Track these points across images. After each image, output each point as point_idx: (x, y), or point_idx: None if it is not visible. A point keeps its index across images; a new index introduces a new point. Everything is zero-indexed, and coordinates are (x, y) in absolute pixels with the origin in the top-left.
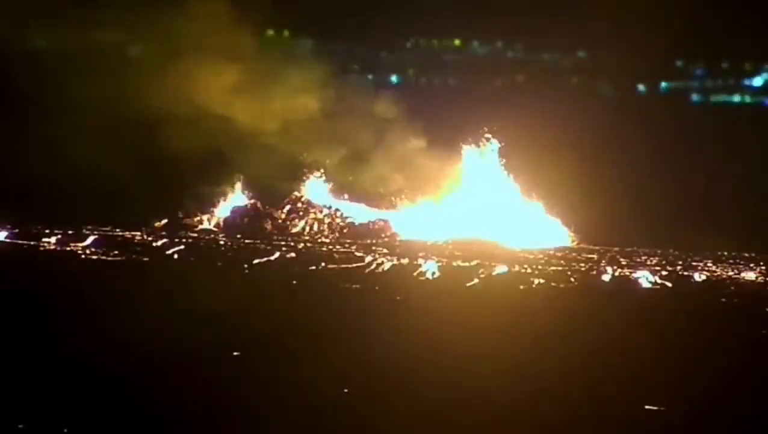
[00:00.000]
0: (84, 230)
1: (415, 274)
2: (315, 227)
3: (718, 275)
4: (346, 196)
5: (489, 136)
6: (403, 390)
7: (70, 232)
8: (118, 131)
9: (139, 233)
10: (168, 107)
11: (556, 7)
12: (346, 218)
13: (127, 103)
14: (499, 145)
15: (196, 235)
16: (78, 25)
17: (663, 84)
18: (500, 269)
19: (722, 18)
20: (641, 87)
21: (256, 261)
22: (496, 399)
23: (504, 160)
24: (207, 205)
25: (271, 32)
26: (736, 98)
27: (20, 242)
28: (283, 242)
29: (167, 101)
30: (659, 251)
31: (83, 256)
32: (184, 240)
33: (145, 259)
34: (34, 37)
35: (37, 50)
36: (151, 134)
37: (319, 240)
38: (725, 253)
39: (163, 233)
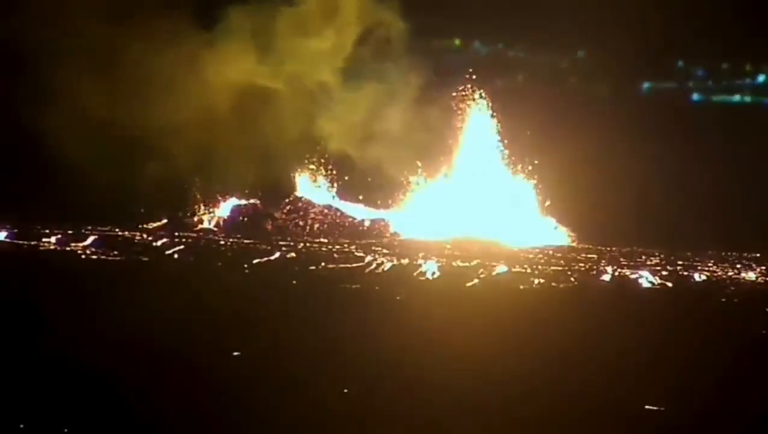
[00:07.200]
0: (84, 230)
1: (415, 274)
2: (315, 227)
3: (718, 275)
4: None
5: (489, 135)
6: (403, 391)
7: (70, 232)
8: (118, 131)
9: (138, 233)
10: (170, 107)
11: (555, 6)
12: (347, 218)
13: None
14: (502, 146)
15: (196, 235)
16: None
17: (663, 83)
18: (500, 269)
19: (722, 18)
20: (641, 86)
21: (256, 261)
22: (496, 399)
23: (504, 159)
24: (208, 205)
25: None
26: (737, 98)
27: (20, 242)
28: (283, 242)
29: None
30: (659, 252)
31: (83, 256)
32: (184, 240)
33: (145, 259)
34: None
35: (36, 46)
36: (154, 134)
37: (319, 240)
38: (725, 253)
39: (163, 232)
